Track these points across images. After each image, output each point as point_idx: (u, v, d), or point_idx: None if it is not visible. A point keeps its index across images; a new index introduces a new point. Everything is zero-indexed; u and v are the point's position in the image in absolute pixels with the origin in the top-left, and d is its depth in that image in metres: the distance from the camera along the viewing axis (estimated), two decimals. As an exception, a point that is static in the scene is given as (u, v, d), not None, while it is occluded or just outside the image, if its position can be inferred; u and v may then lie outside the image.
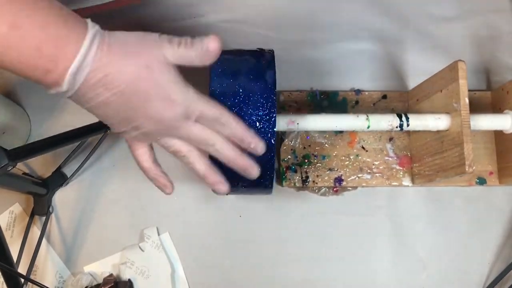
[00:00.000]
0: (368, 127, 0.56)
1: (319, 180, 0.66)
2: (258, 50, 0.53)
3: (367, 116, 0.56)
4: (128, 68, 0.38)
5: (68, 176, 0.65)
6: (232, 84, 0.48)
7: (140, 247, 0.64)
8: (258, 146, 0.46)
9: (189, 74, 0.74)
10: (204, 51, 0.41)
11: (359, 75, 0.70)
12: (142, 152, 0.45)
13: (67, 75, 0.36)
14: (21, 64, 0.35)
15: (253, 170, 0.46)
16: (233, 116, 0.44)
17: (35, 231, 0.64)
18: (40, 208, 0.64)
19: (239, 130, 0.44)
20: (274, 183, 0.66)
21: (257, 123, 0.48)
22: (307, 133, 0.66)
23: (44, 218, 0.64)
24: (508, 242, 0.66)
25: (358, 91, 0.68)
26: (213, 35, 0.41)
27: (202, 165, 0.45)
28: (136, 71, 0.38)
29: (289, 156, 0.66)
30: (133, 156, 0.46)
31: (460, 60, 0.54)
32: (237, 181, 0.50)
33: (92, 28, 0.37)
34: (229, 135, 0.44)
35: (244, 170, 0.46)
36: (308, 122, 0.56)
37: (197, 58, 0.41)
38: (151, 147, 0.46)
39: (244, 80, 0.49)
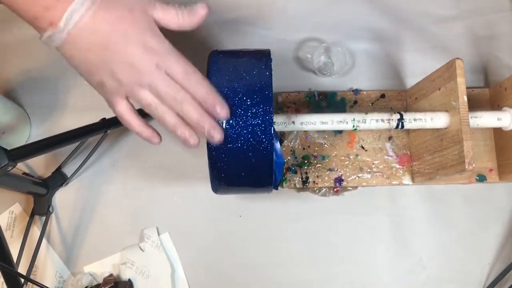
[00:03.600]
0: (358, 127, 0.57)
1: (319, 180, 0.66)
2: (254, 50, 0.53)
3: (363, 115, 0.57)
4: (113, 10, 0.42)
5: (68, 176, 0.65)
6: (229, 83, 0.49)
7: (140, 247, 0.64)
8: (222, 108, 0.46)
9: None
10: (192, 13, 0.45)
11: (357, 75, 0.70)
12: (122, 105, 0.46)
13: (66, 12, 0.40)
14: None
15: (215, 133, 0.47)
16: (201, 74, 0.46)
17: (35, 231, 0.65)
18: (40, 208, 0.65)
19: (204, 88, 0.46)
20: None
21: (254, 121, 0.48)
22: (306, 133, 0.67)
23: (44, 218, 0.64)
24: (508, 242, 0.66)
25: (356, 91, 0.69)
26: (202, 4, 0.46)
27: (172, 118, 0.46)
28: (120, 13, 0.42)
29: (289, 157, 0.66)
30: (115, 112, 0.46)
31: (458, 58, 0.54)
32: (239, 181, 0.51)
33: None
34: (194, 92, 0.45)
35: (208, 132, 0.46)
36: (305, 120, 0.56)
37: (185, 18, 0.46)
38: (130, 103, 0.46)
39: (240, 79, 0.49)
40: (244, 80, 0.49)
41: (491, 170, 0.66)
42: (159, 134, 0.48)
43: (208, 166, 0.50)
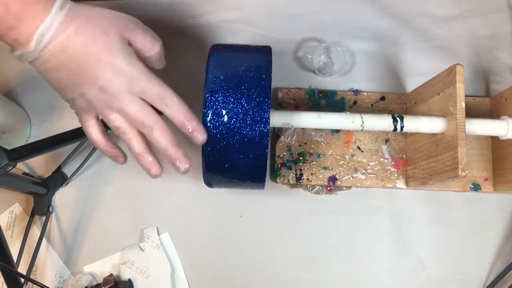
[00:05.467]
0: (362, 126, 0.56)
1: (313, 178, 0.66)
2: (256, 45, 0.53)
3: (361, 116, 0.57)
4: (86, 31, 0.41)
5: (68, 176, 0.66)
6: (227, 77, 0.49)
7: (140, 247, 0.64)
8: (199, 134, 0.46)
9: (186, 65, 0.74)
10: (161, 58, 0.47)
11: (357, 74, 0.70)
12: (91, 124, 0.46)
13: (36, 33, 0.39)
14: None
15: (181, 164, 0.47)
16: (178, 98, 0.45)
17: (35, 231, 0.65)
18: (40, 208, 0.65)
19: (182, 112, 0.45)
20: (268, 180, 0.66)
21: (251, 116, 0.48)
22: (303, 130, 0.67)
23: (44, 218, 0.64)
24: (508, 242, 0.66)
25: (356, 92, 0.69)
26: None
27: (138, 145, 0.46)
28: (93, 35, 0.41)
29: (285, 153, 0.66)
30: (83, 129, 0.47)
31: (459, 64, 0.54)
32: (231, 174, 0.51)
33: None
34: (172, 115, 0.45)
35: (173, 162, 0.47)
36: (302, 119, 0.56)
37: (155, 50, 0.47)
38: (100, 120, 0.47)
39: (239, 74, 0.49)
40: (243, 76, 0.49)
41: (486, 179, 0.66)
42: (125, 155, 0.49)
43: (202, 157, 0.50)
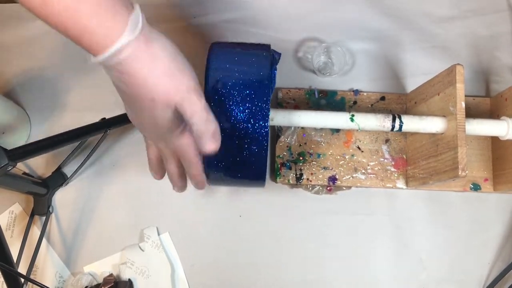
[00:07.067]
0: (358, 126, 0.57)
1: (313, 178, 0.66)
2: (256, 44, 0.53)
3: (354, 115, 0.57)
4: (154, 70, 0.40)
5: (68, 176, 0.65)
6: (228, 76, 0.49)
7: (140, 247, 0.64)
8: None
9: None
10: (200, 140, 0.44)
11: (357, 75, 0.70)
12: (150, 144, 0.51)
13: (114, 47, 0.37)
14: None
15: (200, 185, 0.52)
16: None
17: (35, 231, 0.65)
18: (40, 208, 0.65)
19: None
20: (268, 180, 0.66)
21: (251, 115, 0.48)
22: (303, 130, 0.67)
23: (44, 218, 0.64)
24: (508, 242, 0.66)
25: (356, 92, 0.69)
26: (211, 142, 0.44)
27: (175, 168, 0.51)
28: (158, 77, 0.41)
29: (285, 153, 0.66)
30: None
31: (459, 64, 0.54)
32: (232, 172, 0.51)
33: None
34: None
35: (195, 184, 0.52)
36: (301, 118, 0.56)
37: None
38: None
39: (239, 73, 0.49)
40: (243, 73, 0.49)
41: (486, 179, 0.66)
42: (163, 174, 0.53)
43: (202, 155, 0.50)
